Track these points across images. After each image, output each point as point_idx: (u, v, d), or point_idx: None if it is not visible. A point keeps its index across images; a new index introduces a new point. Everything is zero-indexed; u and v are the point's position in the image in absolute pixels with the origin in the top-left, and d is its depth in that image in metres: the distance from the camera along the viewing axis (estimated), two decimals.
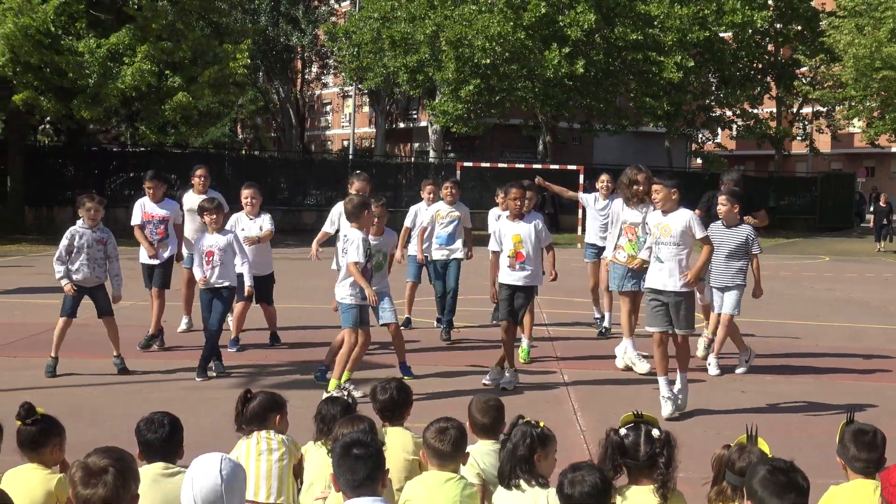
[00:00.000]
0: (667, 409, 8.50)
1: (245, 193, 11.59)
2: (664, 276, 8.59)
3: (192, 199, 11.76)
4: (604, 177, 12.63)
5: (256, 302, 11.39)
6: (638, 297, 10.54)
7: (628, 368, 10.64)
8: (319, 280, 14.85)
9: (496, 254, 9.66)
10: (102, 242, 9.89)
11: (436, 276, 12.64)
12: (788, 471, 3.68)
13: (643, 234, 9.86)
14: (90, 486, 3.51)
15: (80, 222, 9.86)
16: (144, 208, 11.35)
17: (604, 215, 12.16)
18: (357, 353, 9.01)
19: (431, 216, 12.53)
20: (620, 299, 10.78)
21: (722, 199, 10.32)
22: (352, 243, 8.87)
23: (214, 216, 10.06)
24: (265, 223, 11.45)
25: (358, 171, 12.24)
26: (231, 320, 11.40)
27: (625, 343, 10.69)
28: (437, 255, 12.49)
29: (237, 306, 11.23)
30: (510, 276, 9.57)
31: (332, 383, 8.90)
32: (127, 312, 12.39)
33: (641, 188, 10.21)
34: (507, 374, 9.62)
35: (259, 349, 11.41)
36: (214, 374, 9.93)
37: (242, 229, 11.27)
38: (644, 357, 10.44)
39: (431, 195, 12.89)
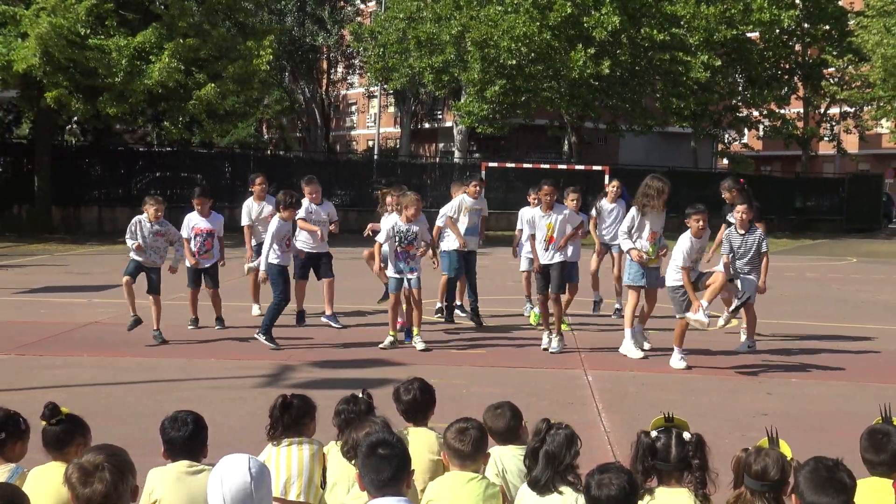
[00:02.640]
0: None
1: (308, 190, 12.90)
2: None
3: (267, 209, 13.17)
4: (615, 182, 14.18)
5: (318, 278, 12.91)
6: (650, 293, 11.44)
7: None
8: (351, 281, 14.81)
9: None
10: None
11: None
12: (833, 468, 3.68)
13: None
14: (88, 485, 3.57)
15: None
16: (194, 223, 12.55)
17: (612, 218, 13.74)
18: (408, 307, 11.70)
19: (460, 208, 13.33)
20: (629, 293, 11.41)
21: (745, 207, 11.07)
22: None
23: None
24: (333, 214, 13.19)
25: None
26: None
27: (626, 333, 11.38)
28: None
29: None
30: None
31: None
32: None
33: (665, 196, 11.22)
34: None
35: (289, 350, 11.37)
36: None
37: (311, 212, 12.78)
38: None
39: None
